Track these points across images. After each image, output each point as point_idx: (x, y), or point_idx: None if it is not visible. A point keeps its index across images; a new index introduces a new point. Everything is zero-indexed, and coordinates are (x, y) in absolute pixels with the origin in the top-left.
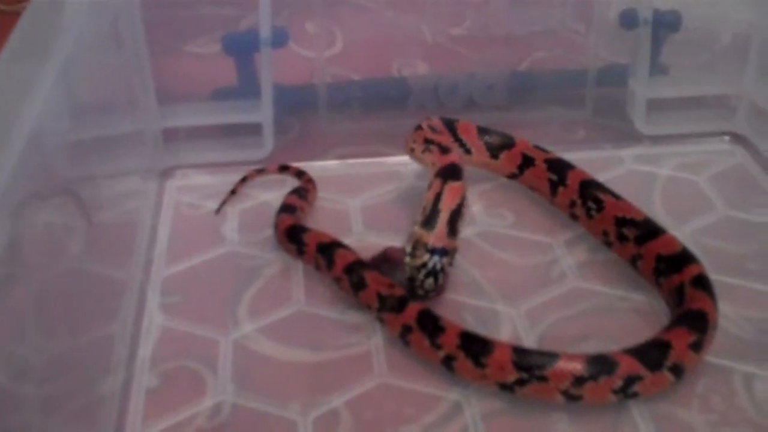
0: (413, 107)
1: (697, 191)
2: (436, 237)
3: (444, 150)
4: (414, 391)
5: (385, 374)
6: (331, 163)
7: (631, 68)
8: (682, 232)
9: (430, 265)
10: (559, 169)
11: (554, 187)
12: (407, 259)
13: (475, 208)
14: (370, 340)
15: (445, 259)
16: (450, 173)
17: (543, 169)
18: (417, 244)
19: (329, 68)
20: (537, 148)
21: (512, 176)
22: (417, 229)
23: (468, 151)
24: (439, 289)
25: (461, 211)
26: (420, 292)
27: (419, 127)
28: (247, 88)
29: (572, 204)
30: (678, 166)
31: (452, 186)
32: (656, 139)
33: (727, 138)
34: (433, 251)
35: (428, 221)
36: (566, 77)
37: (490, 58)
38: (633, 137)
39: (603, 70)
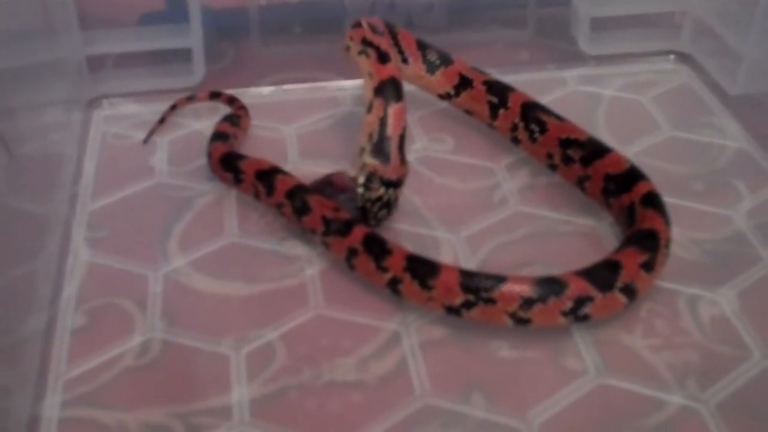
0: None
1: (642, 111)
2: (391, 169)
3: (382, 57)
4: (351, 323)
5: (321, 306)
6: (266, 90)
7: None
8: (627, 153)
9: (385, 197)
10: (499, 91)
11: (494, 109)
12: (361, 190)
13: (414, 133)
14: (305, 272)
15: (399, 190)
16: (391, 92)
17: (482, 91)
18: (372, 177)
19: None
20: (475, 69)
21: (446, 96)
22: (369, 160)
23: (405, 61)
24: (389, 217)
25: (405, 134)
26: (372, 222)
27: (358, 24)
28: (175, 12)
29: (514, 127)
30: (622, 86)
31: (395, 109)
32: (600, 59)
33: (672, 57)
34: (388, 183)
35: (379, 150)
36: None
37: None
38: (577, 57)
39: None
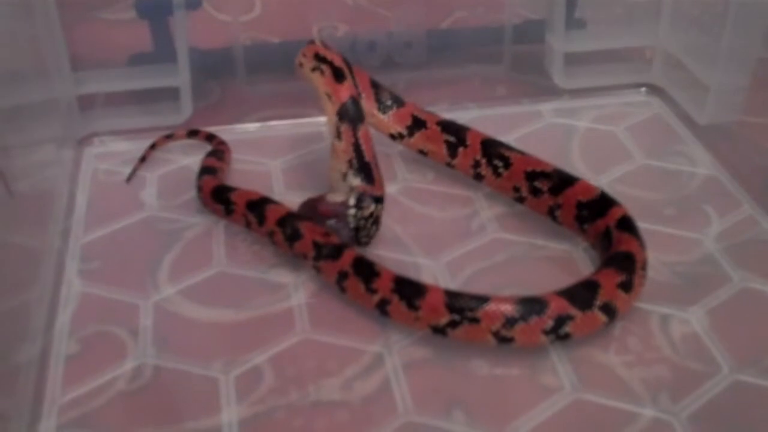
0: None
1: (615, 142)
2: (377, 186)
3: (337, 74)
4: (336, 346)
5: (308, 330)
6: (252, 126)
7: (548, 23)
8: (601, 181)
9: (376, 213)
10: (455, 130)
11: (452, 148)
12: (353, 212)
13: (396, 164)
14: (291, 298)
15: (382, 205)
16: (354, 114)
17: (437, 131)
18: (362, 197)
19: (249, 32)
20: (427, 112)
21: (398, 137)
22: (357, 182)
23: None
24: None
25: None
26: (365, 240)
27: (311, 41)
28: (163, 53)
29: (476, 164)
30: (596, 118)
31: (363, 132)
32: (574, 93)
33: (643, 89)
34: (378, 200)
35: (362, 172)
36: (484, 34)
37: (410, 18)
38: (551, 91)
39: (520, 26)
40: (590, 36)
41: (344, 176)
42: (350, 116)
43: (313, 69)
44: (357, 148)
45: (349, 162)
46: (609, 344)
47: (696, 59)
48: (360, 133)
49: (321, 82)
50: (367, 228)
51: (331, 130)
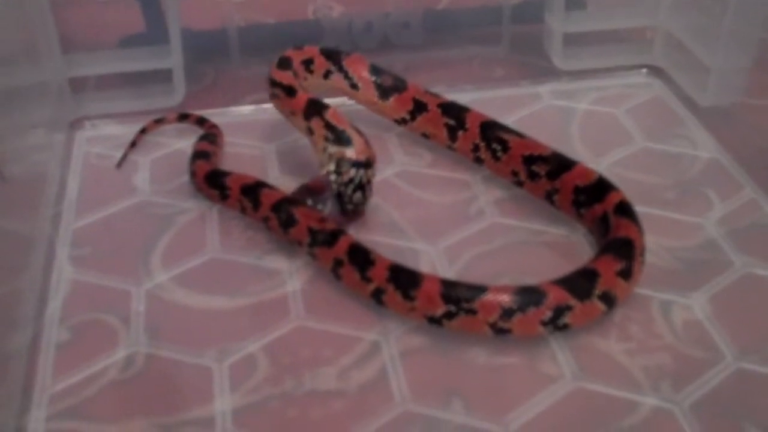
0: None
1: (616, 124)
2: (356, 151)
3: (289, 91)
4: (332, 333)
5: (303, 318)
6: (246, 109)
7: (547, 3)
8: (601, 164)
9: (357, 179)
10: (456, 112)
11: (452, 131)
12: (333, 177)
13: (392, 147)
14: (286, 285)
15: (370, 171)
16: (316, 107)
17: (437, 114)
18: (340, 162)
19: (242, 12)
20: (429, 93)
21: (402, 122)
22: (334, 149)
23: (355, 86)
24: (367, 202)
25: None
26: (350, 207)
27: (270, 66)
28: (155, 34)
29: (475, 148)
30: (596, 100)
31: (329, 113)
32: (574, 74)
33: (644, 71)
34: (357, 164)
35: (339, 140)
36: (482, 14)
37: None
38: (551, 73)
39: (519, 6)
40: (590, 16)
41: (324, 151)
42: (313, 110)
43: (271, 98)
44: (328, 125)
45: (325, 137)
46: (610, 332)
47: (697, 40)
48: (327, 116)
49: (281, 107)
50: (348, 194)
51: (306, 134)
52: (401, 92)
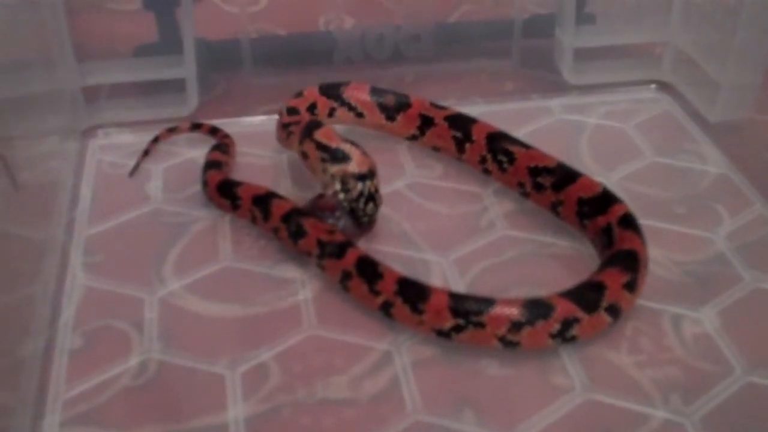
0: (339, 61)
1: (625, 139)
2: (357, 164)
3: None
4: (344, 343)
5: (315, 327)
6: (258, 119)
7: (558, 18)
8: (610, 179)
9: (365, 191)
10: (462, 124)
11: (460, 144)
12: (342, 196)
13: (403, 159)
14: (298, 294)
15: (375, 180)
16: (309, 128)
17: (444, 127)
18: (345, 179)
19: (255, 24)
20: (434, 106)
21: (413, 138)
22: (333, 168)
23: (360, 115)
24: (378, 210)
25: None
26: (365, 219)
27: (279, 114)
28: (169, 44)
29: (483, 160)
30: (605, 114)
31: (320, 132)
32: (584, 89)
33: (653, 86)
34: (361, 177)
35: (336, 158)
36: (493, 28)
37: (417, 10)
38: (561, 87)
39: (529, 20)
40: (600, 31)
41: (325, 172)
42: (304, 132)
43: (288, 137)
44: (320, 145)
45: (321, 159)
46: (620, 343)
47: (707, 56)
48: (317, 135)
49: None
50: (360, 208)
51: (301, 158)
52: (406, 110)
